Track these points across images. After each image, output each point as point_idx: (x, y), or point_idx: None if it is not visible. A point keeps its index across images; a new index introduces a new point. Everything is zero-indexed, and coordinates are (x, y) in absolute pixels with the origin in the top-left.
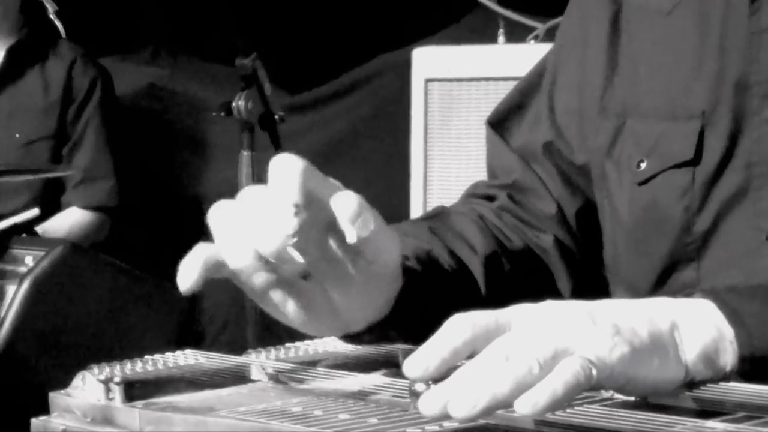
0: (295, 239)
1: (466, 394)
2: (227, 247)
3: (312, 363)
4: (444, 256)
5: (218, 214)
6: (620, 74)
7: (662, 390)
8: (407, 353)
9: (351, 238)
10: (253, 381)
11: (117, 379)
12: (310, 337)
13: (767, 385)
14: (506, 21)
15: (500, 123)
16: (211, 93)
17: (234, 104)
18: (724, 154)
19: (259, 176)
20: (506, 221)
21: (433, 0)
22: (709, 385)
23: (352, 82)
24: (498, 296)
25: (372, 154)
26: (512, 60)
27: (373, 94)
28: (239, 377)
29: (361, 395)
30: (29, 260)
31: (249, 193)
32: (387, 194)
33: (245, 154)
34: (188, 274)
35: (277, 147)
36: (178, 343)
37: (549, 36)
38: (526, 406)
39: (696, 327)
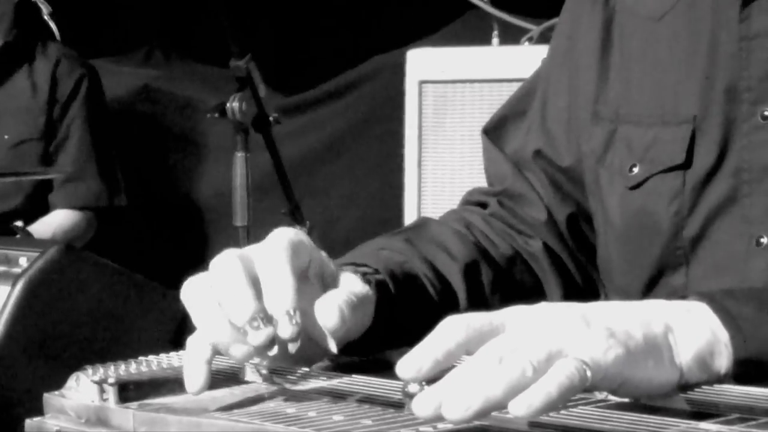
0: (297, 344)
1: (459, 396)
2: (204, 325)
3: None
4: (419, 266)
5: (191, 291)
6: (612, 80)
7: (657, 392)
8: (401, 355)
9: (333, 348)
10: (247, 382)
11: (111, 380)
12: None
13: (761, 387)
14: (500, 23)
15: (495, 130)
16: (205, 94)
17: (228, 106)
18: (715, 159)
19: (254, 178)
20: (495, 228)
21: (427, 2)
22: (703, 387)
23: (346, 84)
24: (481, 302)
25: (366, 156)
26: (506, 62)
27: (367, 96)
28: (233, 378)
29: (354, 396)
30: (23, 261)
31: (219, 264)
32: (381, 196)
33: (239, 155)
34: (195, 379)
35: (272, 149)
36: (173, 345)
37: (543, 38)
38: (520, 408)
39: (691, 330)
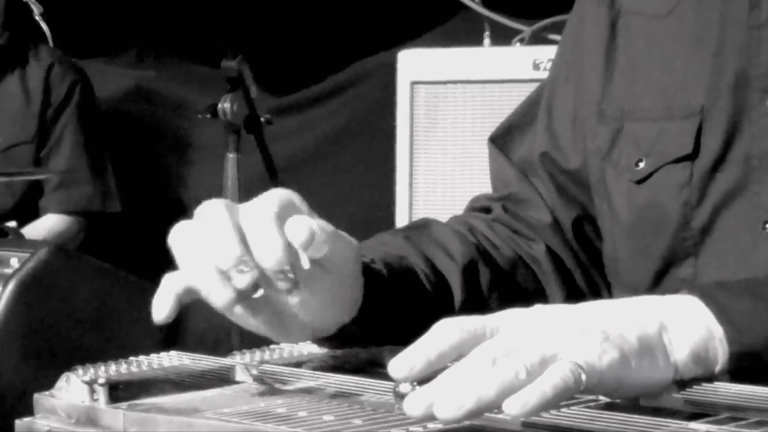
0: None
1: (451, 396)
2: (188, 267)
3: (296, 364)
4: (419, 263)
5: (178, 236)
6: (617, 79)
7: (652, 392)
8: (393, 354)
9: (305, 263)
10: (237, 382)
11: (101, 381)
12: None
13: (757, 384)
14: (491, 23)
15: (502, 138)
16: (196, 95)
17: (219, 106)
18: (722, 148)
19: (245, 178)
20: (499, 232)
21: (418, 3)
22: (696, 386)
23: (337, 85)
24: (477, 303)
25: (358, 157)
26: (498, 62)
27: (358, 97)
28: (224, 378)
29: (345, 396)
30: (14, 262)
31: (206, 210)
32: (372, 196)
33: (231, 156)
34: (161, 307)
35: (263, 150)
36: (164, 345)
37: (534, 39)
38: (515, 407)
39: (685, 326)
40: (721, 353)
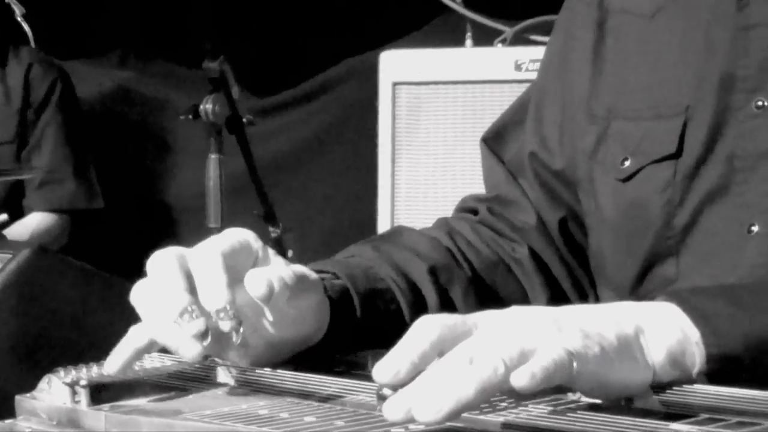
0: (239, 337)
1: (430, 399)
2: (151, 325)
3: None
4: (386, 270)
5: (136, 295)
6: (606, 78)
7: (630, 392)
8: (376, 356)
9: (268, 315)
10: (219, 384)
11: (83, 382)
12: None
13: (735, 387)
14: (473, 24)
15: (494, 139)
16: (178, 96)
17: (201, 107)
18: (706, 148)
19: (227, 179)
20: (482, 235)
21: (400, 4)
22: (676, 387)
23: (320, 86)
24: (453, 306)
25: (340, 157)
26: (480, 63)
27: (341, 98)
28: (206, 380)
29: (327, 398)
30: None
31: (155, 263)
32: (355, 197)
33: (213, 157)
34: (115, 361)
35: (245, 150)
36: None
37: (516, 39)
38: (523, 378)
39: (661, 330)
40: (698, 356)
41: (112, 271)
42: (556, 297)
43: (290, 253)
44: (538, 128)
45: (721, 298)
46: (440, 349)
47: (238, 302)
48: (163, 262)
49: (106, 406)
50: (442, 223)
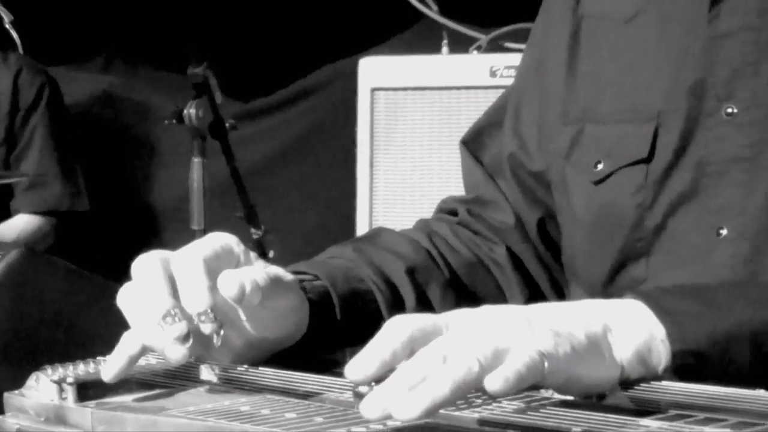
0: (219, 339)
1: (407, 397)
2: (138, 328)
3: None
4: (365, 271)
5: (122, 299)
6: (580, 83)
7: (599, 388)
8: (354, 355)
9: (242, 315)
10: (202, 381)
11: (70, 380)
12: None
13: (701, 383)
14: (450, 32)
15: (474, 141)
16: (163, 101)
17: (185, 112)
18: (677, 152)
19: (210, 182)
20: (461, 236)
21: (379, 11)
22: (645, 384)
23: (300, 91)
24: (431, 305)
25: (320, 160)
26: (455, 69)
27: (321, 103)
28: (189, 378)
29: (307, 395)
30: None
31: (139, 267)
32: (335, 199)
33: (196, 161)
34: (112, 368)
35: (228, 154)
36: None
37: (491, 46)
38: (497, 382)
39: (628, 328)
40: (664, 352)
41: (98, 271)
42: (534, 296)
43: (271, 254)
44: (517, 130)
45: (687, 297)
46: (411, 348)
47: (220, 304)
48: (147, 266)
49: (92, 403)
50: (422, 225)
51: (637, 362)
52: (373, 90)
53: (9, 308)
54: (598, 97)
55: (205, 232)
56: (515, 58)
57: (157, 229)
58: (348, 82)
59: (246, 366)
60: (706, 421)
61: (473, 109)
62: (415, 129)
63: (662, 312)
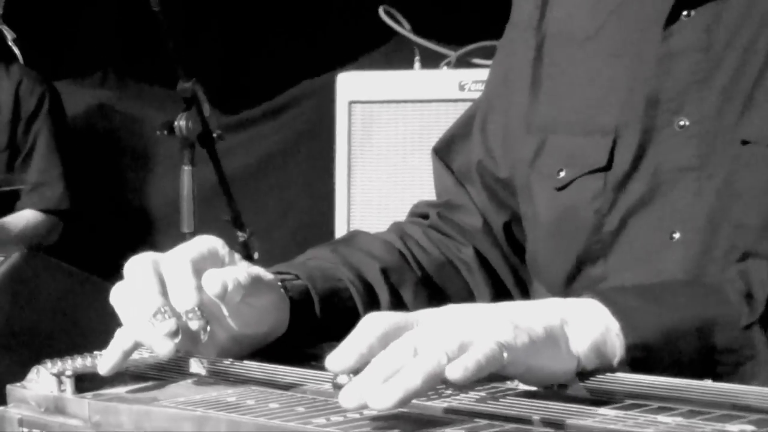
0: (206, 335)
1: (382, 389)
2: (129, 324)
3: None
4: (343, 271)
5: (115, 296)
6: (542, 96)
7: (557, 379)
8: (333, 349)
9: (225, 311)
10: (192, 374)
11: (68, 373)
12: None
13: (653, 375)
14: (421, 49)
15: (444, 149)
16: (154, 113)
17: (176, 123)
18: (633, 162)
19: (199, 188)
20: (432, 237)
21: (356, 30)
22: (601, 376)
23: (283, 104)
24: (404, 303)
25: (300, 168)
26: (427, 84)
27: (301, 115)
28: (180, 371)
29: (289, 386)
30: None
31: (132, 266)
32: (315, 204)
33: (186, 168)
34: (107, 362)
35: (215, 163)
36: None
37: (460, 62)
38: (457, 372)
39: (585, 322)
40: (618, 346)
41: (94, 271)
42: (500, 294)
43: (256, 255)
44: (484, 140)
45: (640, 295)
46: (386, 342)
47: (206, 302)
48: (138, 266)
49: (89, 394)
50: (396, 228)
51: (593, 354)
52: (350, 103)
53: (11, 306)
54: (560, 110)
55: (194, 234)
56: (482, 74)
57: (150, 232)
58: (326, 95)
59: (232, 359)
60: (659, 410)
61: (443, 121)
62: (389, 139)
63: (617, 308)
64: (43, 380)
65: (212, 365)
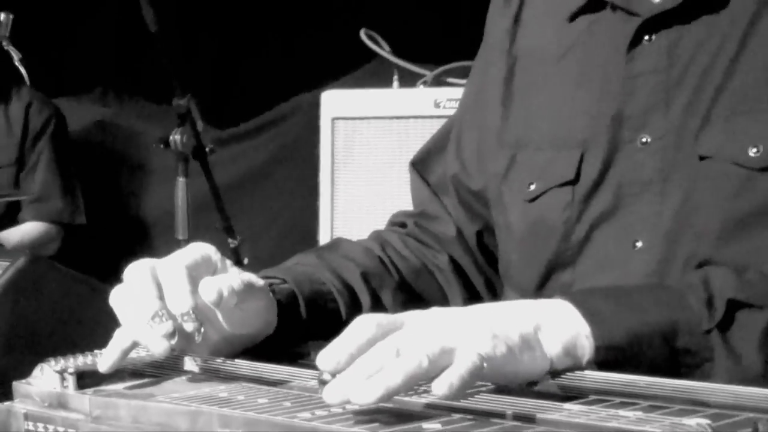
0: (200, 336)
1: (364, 385)
2: (128, 325)
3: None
4: (327, 276)
5: (114, 299)
6: (514, 113)
7: (531, 379)
8: (317, 348)
9: (219, 317)
10: (186, 371)
11: (71, 370)
12: None
13: (619, 373)
14: (400, 69)
15: (421, 163)
16: (151, 128)
17: (171, 138)
18: (599, 176)
19: (193, 199)
20: (409, 245)
21: (338, 51)
22: (570, 374)
23: (270, 120)
24: (385, 306)
25: (287, 181)
26: (405, 102)
27: (288, 130)
28: (175, 368)
29: (277, 383)
30: None
31: (131, 271)
32: (300, 215)
33: (180, 180)
34: (107, 360)
35: (208, 174)
36: None
37: (436, 81)
38: (443, 388)
39: (557, 326)
40: (588, 347)
41: (94, 276)
42: (472, 297)
43: (246, 260)
44: (459, 154)
45: (608, 299)
46: (374, 343)
47: (200, 305)
48: (137, 272)
49: (90, 390)
50: (376, 235)
51: (565, 356)
52: (334, 119)
53: (17, 308)
54: (529, 127)
55: (188, 241)
56: (457, 92)
57: (147, 239)
58: (311, 112)
59: (224, 358)
60: (621, 405)
61: (420, 136)
62: (370, 153)
63: (587, 312)
64: (46, 377)
65: (205, 363)
